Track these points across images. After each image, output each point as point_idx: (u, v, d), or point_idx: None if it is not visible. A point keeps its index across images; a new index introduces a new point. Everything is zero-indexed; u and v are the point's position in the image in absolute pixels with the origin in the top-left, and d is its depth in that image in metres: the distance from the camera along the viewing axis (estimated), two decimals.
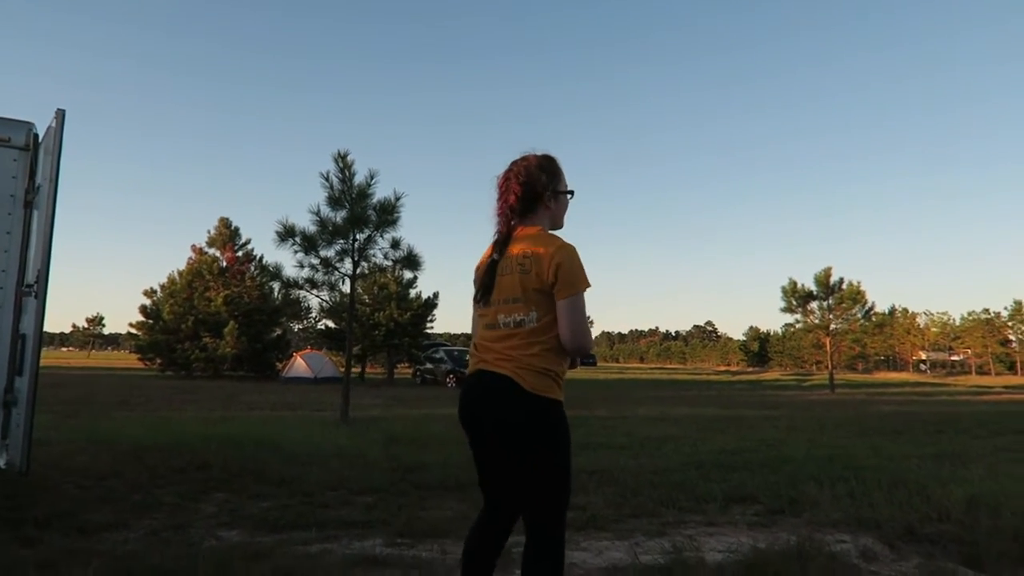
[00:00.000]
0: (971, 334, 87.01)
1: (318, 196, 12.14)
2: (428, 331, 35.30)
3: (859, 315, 31.63)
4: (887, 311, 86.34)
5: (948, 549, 4.06)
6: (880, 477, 6.18)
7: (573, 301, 2.10)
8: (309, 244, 11.59)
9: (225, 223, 37.44)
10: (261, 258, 36.95)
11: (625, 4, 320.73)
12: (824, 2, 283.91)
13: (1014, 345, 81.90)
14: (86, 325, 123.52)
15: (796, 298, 31.32)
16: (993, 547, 3.92)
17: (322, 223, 11.64)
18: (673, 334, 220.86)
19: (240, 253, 37.49)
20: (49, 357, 72.39)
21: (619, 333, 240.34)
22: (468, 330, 2.66)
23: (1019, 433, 11.10)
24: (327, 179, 11.71)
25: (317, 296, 12.40)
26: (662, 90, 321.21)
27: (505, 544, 2.35)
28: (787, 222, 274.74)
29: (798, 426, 12.29)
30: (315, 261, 11.75)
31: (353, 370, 33.72)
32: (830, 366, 32.85)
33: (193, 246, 37.29)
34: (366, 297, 31.90)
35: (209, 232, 37.41)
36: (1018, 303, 77.89)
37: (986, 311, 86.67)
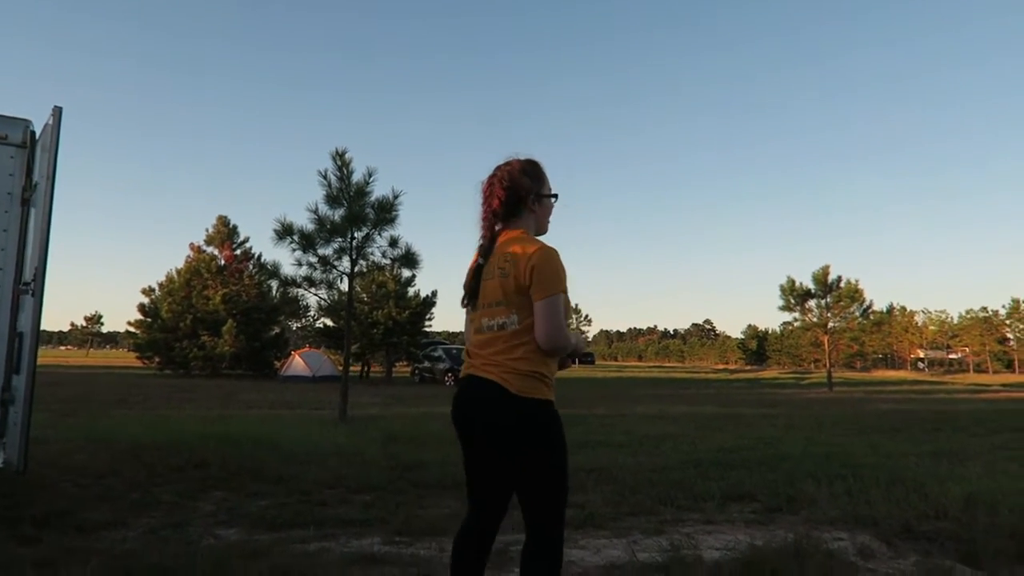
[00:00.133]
0: (969, 332, 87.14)
1: (316, 194, 12.14)
2: (426, 329, 35.33)
3: (857, 313, 31.76)
4: (885, 309, 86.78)
5: (945, 547, 4.07)
6: (878, 475, 6.20)
7: (548, 303, 2.11)
8: (307, 242, 11.59)
9: (223, 221, 37.44)
10: (259, 256, 37.05)
11: (623, 1, 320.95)
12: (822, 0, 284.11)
13: (1012, 343, 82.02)
14: (84, 323, 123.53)
15: (794, 296, 31.42)
16: (990, 545, 3.93)
17: (320, 221, 11.63)
18: (671, 332, 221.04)
19: (238, 251, 37.51)
20: (47, 355, 72.35)
21: (617, 331, 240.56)
22: None
23: (1016, 431, 11.12)
24: (325, 177, 11.71)
25: (315, 294, 12.41)
26: (660, 88, 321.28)
27: (492, 545, 2.37)
28: (785, 220, 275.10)
29: (796, 424, 12.31)
30: (313, 259, 11.76)
31: (354, 368, 33.90)
32: (828, 364, 32.93)
33: (191, 244, 37.33)
34: (364, 295, 31.91)
35: (207, 230, 37.46)
36: (1016, 301, 78.14)
37: (984, 309, 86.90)
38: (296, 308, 35.74)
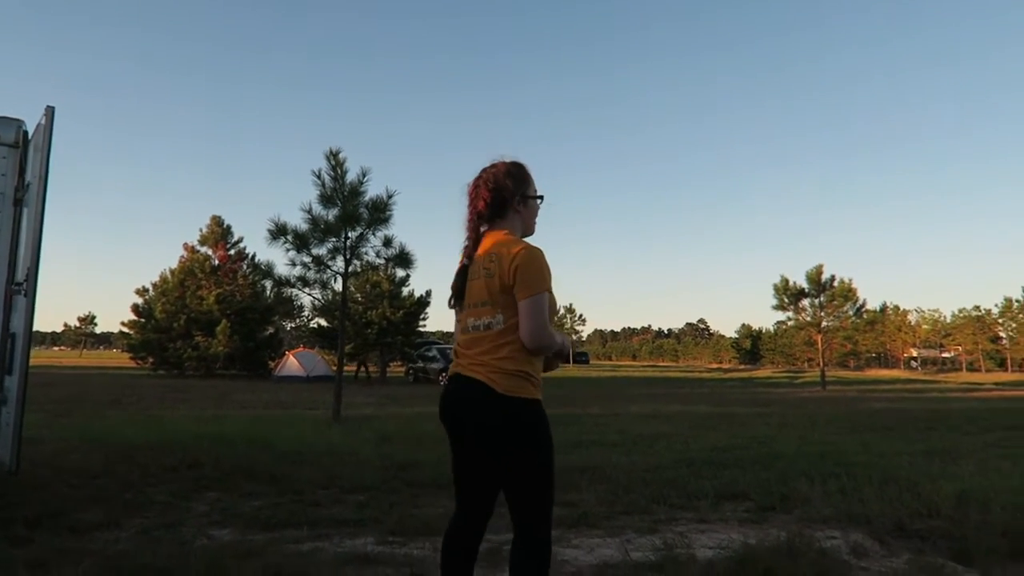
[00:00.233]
0: (962, 331, 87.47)
1: (310, 194, 12.10)
2: (421, 329, 35.28)
3: (850, 312, 31.86)
4: (878, 308, 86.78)
5: (938, 545, 4.09)
6: (871, 473, 6.22)
7: (532, 302, 2.12)
8: (301, 242, 11.57)
9: (217, 221, 37.34)
10: (253, 256, 36.95)
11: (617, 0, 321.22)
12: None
13: (1004, 342, 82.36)
14: (78, 324, 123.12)
15: (788, 296, 31.49)
16: (982, 542, 3.95)
17: (314, 221, 11.62)
18: (666, 332, 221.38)
19: (232, 251, 37.42)
20: (41, 356, 72.10)
21: (612, 331, 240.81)
22: None
23: (1009, 429, 11.17)
24: (319, 177, 11.69)
25: (309, 294, 12.39)
26: (654, 87, 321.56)
27: (480, 544, 2.38)
28: (779, 220, 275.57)
29: (790, 423, 12.35)
30: (307, 259, 11.74)
31: (350, 368, 33.84)
32: (822, 363, 33.04)
33: (185, 244, 37.16)
34: (358, 295, 31.83)
35: (201, 230, 37.34)
36: (1008, 300, 78.39)
37: (977, 308, 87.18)
38: (290, 308, 35.75)
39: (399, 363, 37.14)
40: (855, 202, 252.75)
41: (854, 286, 31.31)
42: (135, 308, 35.02)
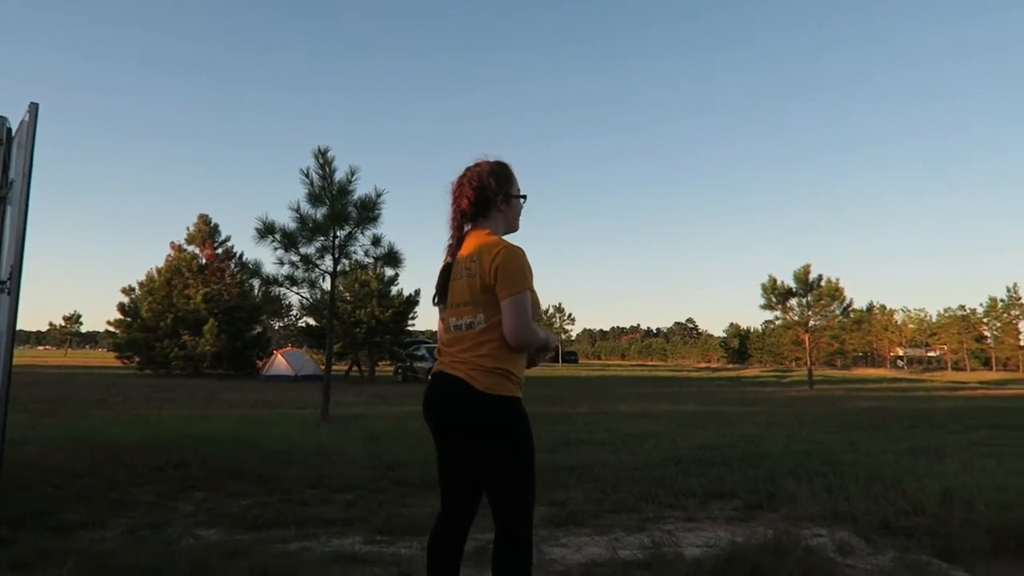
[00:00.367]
0: (947, 330, 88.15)
1: (298, 193, 12.06)
2: (410, 328, 35.22)
3: (837, 312, 32.06)
4: (865, 308, 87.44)
5: (923, 542, 4.11)
6: (857, 472, 6.25)
7: (514, 300, 2.13)
8: (289, 241, 11.52)
9: (204, 220, 37.10)
10: (241, 255, 36.75)
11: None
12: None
13: (989, 341, 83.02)
14: (63, 323, 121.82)
15: (776, 295, 31.65)
16: (966, 540, 3.98)
17: (302, 220, 11.56)
18: (654, 331, 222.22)
19: (220, 250, 37.21)
20: (25, 356, 71.47)
21: (600, 330, 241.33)
22: None
23: (993, 428, 11.26)
24: (307, 176, 11.64)
25: (297, 293, 12.32)
26: (646, 88, 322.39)
27: (465, 542, 2.39)
28: (768, 220, 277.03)
29: (777, 422, 12.40)
30: (295, 258, 11.68)
31: (342, 368, 33.72)
32: (809, 362, 33.20)
33: (172, 243, 36.92)
34: (347, 294, 31.75)
35: (188, 229, 37.10)
36: (993, 300, 79.00)
37: (962, 308, 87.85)
38: (278, 307, 35.48)
39: (388, 362, 37.05)
40: (843, 202, 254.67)
41: (841, 286, 31.54)
42: (121, 307, 34.77)
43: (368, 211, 11.61)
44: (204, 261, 36.38)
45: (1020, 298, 75.58)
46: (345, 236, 11.70)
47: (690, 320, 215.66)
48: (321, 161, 11.70)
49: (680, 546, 3.99)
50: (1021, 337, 77.82)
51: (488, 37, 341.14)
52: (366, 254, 11.99)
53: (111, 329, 36.09)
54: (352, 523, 4.43)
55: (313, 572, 3.40)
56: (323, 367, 13.75)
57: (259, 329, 38.01)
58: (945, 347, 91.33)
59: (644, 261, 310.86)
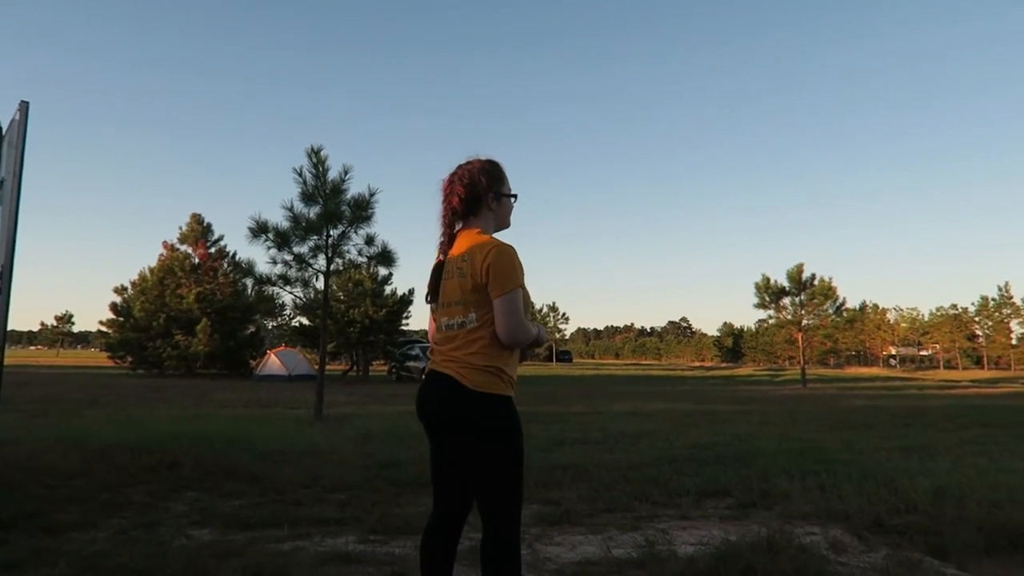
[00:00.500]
0: (939, 329, 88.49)
1: (292, 192, 12.02)
2: (404, 328, 35.19)
3: (830, 311, 32.17)
4: (858, 307, 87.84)
5: (915, 540, 4.13)
6: (850, 470, 6.27)
7: (506, 299, 2.14)
8: (282, 240, 11.48)
9: (197, 219, 36.96)
10: (234, 254, 36.64)
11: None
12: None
13: (981, 340, 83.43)
14: (55, 323, 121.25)
15: (769, 294, 31.74)
16: (958, 538, 4.00)
17: (295, 219, 11.53)
18: (648, 330, 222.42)
19: (213, 250, 37.06)
20: (17, 356, 71.12)
21: (595, 329, 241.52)
22: None
23: (984, 426, 11.32)
24: (300, 175, 11.60)
25: (291, 293, 12.30)
26: (639, 87, 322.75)
27: (458, 541, 2.39)
28: (761, 218, 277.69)
29: (770, 420, 12.43)
30: (288, 257, 11.65)
31: (339, 367, 33.62)
32: (802, 361, 33.30)
33: (164, 242, 36.77)
34: (341, 294, 31.73)
35: (181, 228, 36.92)
36: (984, 299, 79.45)
37: (954, 307, 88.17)
38: (271, 307, 35.39)
39: (382, 362, 37.02)
40: (836, 202, 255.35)
41: (834, 285, 31.68)
42: (113, 307, 34.61)
43: (361, 210, 11.58)
44: (197, 260, 36.24)
45: (1011, 297, 76.05)
46: (338, 235, 11.68)
47: (684, 319, 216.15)
48: (314, 160, 11.68)
49: (674, 544, 4.00)
50: (1013, 336, 78.23)
51: (485, 36, 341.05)
52: (359, 253, 11.98)
53: (103, 329, 35.92)
54: (346, 523, 4.42)
55: (306, 572, 3.40)
56: (317, 367, 13.71)
57: (252, 329, 37.90)
58: (937, 346, 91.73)
59: (638, 260, 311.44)
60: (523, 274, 2.21)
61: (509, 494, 2.18)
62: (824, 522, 4.61)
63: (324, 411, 11.62)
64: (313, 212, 11.57)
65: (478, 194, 2.34)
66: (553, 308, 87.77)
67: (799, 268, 31.37)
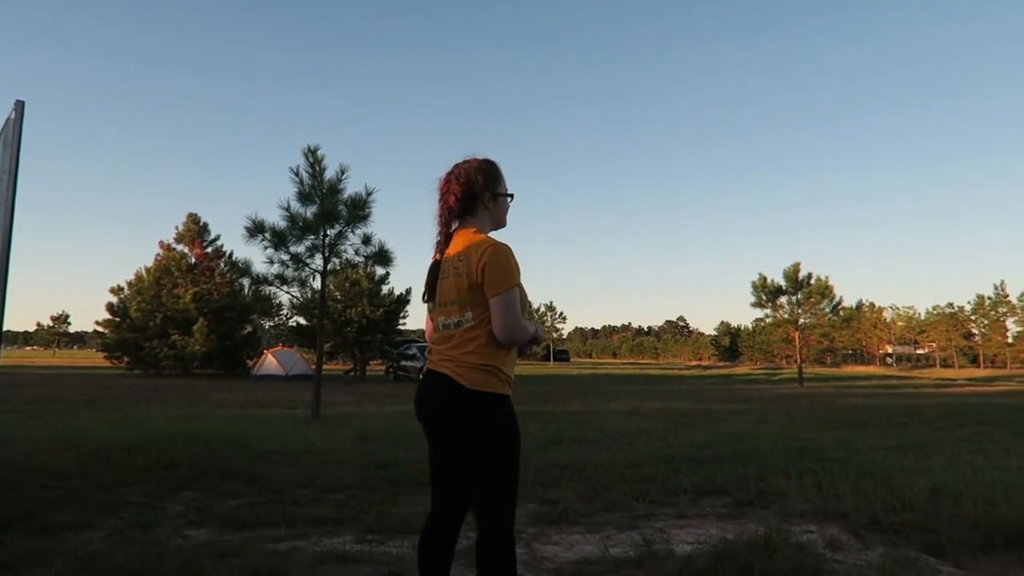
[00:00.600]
0: (935, 328, 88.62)
1: (288, 191, 12.01)
2: (401, 327, 35.16)
3: (827, 310, 32.17)
4: (854, 306, 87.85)
5: (911, 538, 4.14)
6: (847, 469, 6.28)
7: (502, 298, 2.14)
8: (279, 240, 11.47)
9: (193, 219, 36.85)
10: (231, 254, 36.56)
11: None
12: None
13: (977, 339, 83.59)
14: (51, 323, 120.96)
15: (766, 293, 31.74)
16: (954, 535, 4.01)
17: (292, 219, 11.51)
18: (645, 329, 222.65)
19: (209, 249, 36.95)
20: (12, 356, 70.96)
21: (592, 329, 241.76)
22: None
23: (980, 424, 11.34)
24: (297, 174, 11.59)
25: (288, 292, 12.28)
26: (635, 86, 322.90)
27: (456, 540, 2.40)
28: (758, 218, 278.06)
29: (767, 419, 12.45)
30: (285, 257, 11.63)
31: (338, 367, 33.56)
32: (799, 360, 33.31)
33: (161, 242, 36.62)
34: (338, 293, 31.69)
35: (177, 228, 36.78)
36: (980, 297, 79.54)
37: (950, 306, 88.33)
38: (268, 306, 35.32)
39: (379, 361, 36.99)
40: (833, 201, 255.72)
41: (831, 283, 31.67)
42: (110, 307, 34.51)
43: (358, 210, 11.57)
44: (193, 260, 36.15)
45: (1007, 296, 76.18)
46: (335, 235, 11.67)
47: (681, 318, 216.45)
48: (311, 160, 11.66)
49: (671, 543, 4.00)
50: (1008, 334, 78.37)
51: (484, 35, 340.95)
52: (356, 253, 11.97)
53: (100, 329, 35.81)
54: (343, 522, 4.41)
55: (304, 572, 3.39)
56: (314, 366, 13.69)
57: (249, 328, 37.81)
58: (934, 344, 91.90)
59: (636, 259, 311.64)
60: (519, 273, 2.21)
61: (504, 494, 2.18)
62: (821, 520, 4.62)
63: (321, 411, 11.61)
64: (310, 212, 11.56)
65: (474, 193, 2.34)
66: (551, 307, 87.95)
67: (796, 267, 31.39)
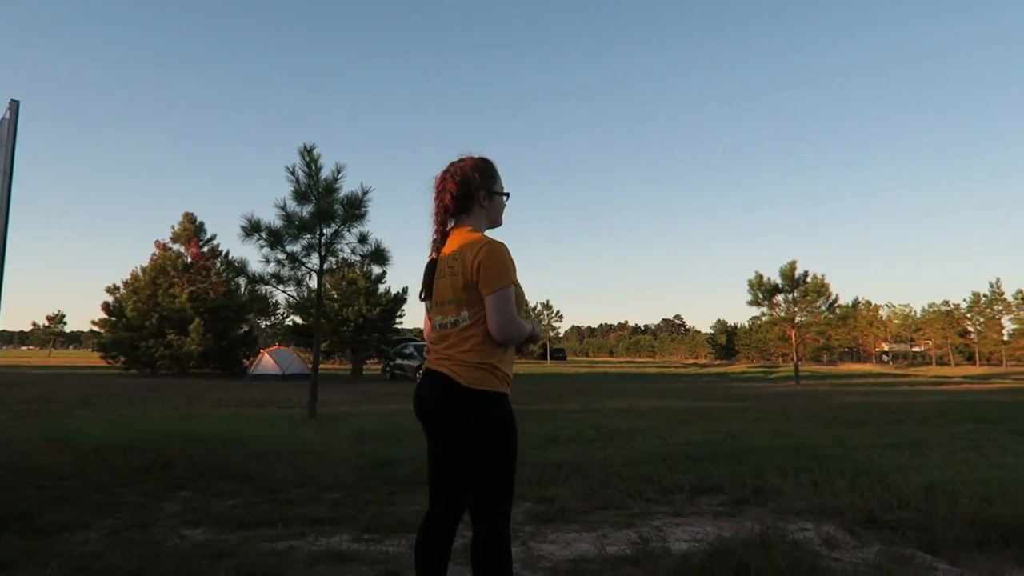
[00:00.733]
0: (931, 326, 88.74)
1: (284, 190, 12.00)
2: (397, 326, 35.15)
3: (823, 308, 32.25)
4: (850, 303, 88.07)
5: (907, 535, 4.15)
6: (843, 466, 6.29)
7: (498, 297, 2.14)
8: (275, 239, 11.45)
9: (189, 218, 36.81)
10: (227, 254, 36.51)
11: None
12: None
13: (972, 336, 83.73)
14: (46, 323, 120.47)
15: (762, 291, 31.77)
16: (950, 533, 4.02)
17: (288, 218, 11.49)
18: (642, 328, 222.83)
19: (205, 249, 36.93)
20: (7, 356, 70.78)
21: (589, 327, 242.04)
22: None
23: (976, 422, 11.37)
24: (293, 173, 11.57)
25: (284, 292, 12.25)
26: (631, 85, 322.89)
27: (453, 538, 2.39)
28: (754, 216, 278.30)
29: (764, 417, 12.47)
30: (281, 256, 11.62)
31: (338, 367, 33.52)
32: (795, 358, 33.41)
33: (157, 242, 36.58)
34: (334, 293, 31.68)
35: (173, 227, 36.75)
36: (976, 295, 79.64)
37: (946, 303, 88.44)
38: (265, 306, 35.34)
39: (376, 360, 36.98)
40: (829, 199, 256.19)
41: (827, 282, 31.74)
42: (106, 306, 34.44)
43: (354, 209, 11.56)
44: (189, 260, 36.11)
45: (1003, 294, 76.18)
46: (331, 234, 11.65)
47: (678, 316, 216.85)
48: (307, 159, 11.64)
49: (667, 541, 4.01)
50: (1004, 332, 78.53)
51: (484, 34, 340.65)
52: (353, 252, 11.95)
53: (96, 329, 35.75)
54: (340, 522, 4.41)
55: (300, 571, 3.39)
56: (310, 366, 13.68)
57: (246, 328, 37.78)
58: (929, 342, 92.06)
59: (632, 258, 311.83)
60: (515, 271, 2.20)
61: (501, 493, 2.18)
62: (817, 518, 4.62)
63: (318, 410, 11.60)
64: (306, 211, 11.54)
65: (470, 191, 2.34)
66: (547, 306, 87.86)
67: (792, 265, 31.44)
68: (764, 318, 34.69)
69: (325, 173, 11.67)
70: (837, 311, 34.25)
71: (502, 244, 2.21)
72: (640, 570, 3.50)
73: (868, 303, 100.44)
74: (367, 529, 4.21)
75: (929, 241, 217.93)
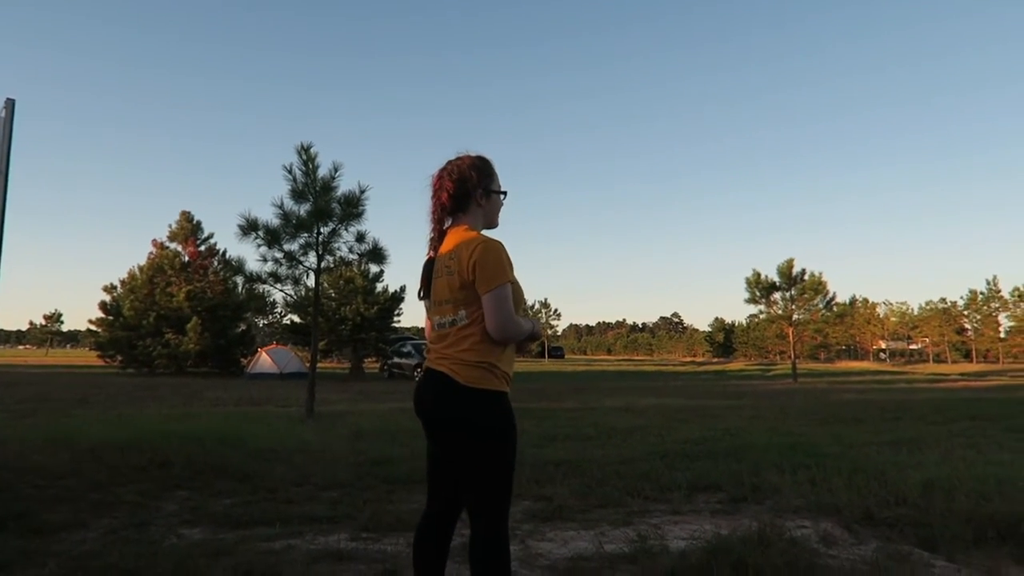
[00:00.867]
0: (929, 323, 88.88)
1: (281, 189, 11.98)
2: (395, 325, 35.11)
3: (821, 305, 32.20)
4: (848, 301, 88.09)
5: (905, 532, 4.16)
6: (840, 464, 6.31)
7: (495, 295, 2.13)
8: (272, 238, 11.44)
9: (187, 217, 36.75)
10: (224, 252, 36.46)
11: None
12: None
13: (970, 334, 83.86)
14: (43, 322, 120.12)
15: (760, 289, 31.75)
16: (947, 529, 4.03)
17: (285, 216, 11.48)
18: (640, 326, 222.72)
19: (203, 247, 36.87)
20: (4, 355, 70.67)
21: (587, 325, 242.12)
22: None
23: (973, 419, 11.39)
24: (290, 172, 11.56)
25: (281, 290, 12.24)
26: (629, 84, 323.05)
27: (451, 536, 2.39)
28: (752, 214, 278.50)
29: (761, 415, 12.48)
30: (279, 255, 11.61)
31: (336, 366, 33.48)
32: (793, 356, 33.42)
33: (154, 241, 36.54)
34: (332, 291, 31.64)
35: (170, 226, 36.69)
36: (973, 293, 79.79)
37: (943, 301, 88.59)
38: (262, 305, 35.24)
39: (374, 359, 36.96)
40: (827, 198, 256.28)
41: (824, 279, 31.71)
42: (103, 305, 34.39)
43: (352, 207, 11.55)
44: (187, 259, 36.05)
45: (1000, 291, 76.37)
46: (329, 232, 11.65)
47: (675, 315, 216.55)
48: (304, 157, 11.63)
49: (665, 539, 4.01)
50: (1001, 329, 78.68)
51: (484, 34, 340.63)
52: (350, 250, 11.94)
53: (93, 328, 35.70)
54: (337, 520, 4.41)
55: (298, 570, 3.39)
56: (308, 364, 13.67)
57: (243, 327, 37.72)
58: (927, 340, 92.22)
59: (630, 256, 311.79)
60: (512, 269, 2.20)
61: (499, 491, 2.17)
62: (815, 515, 4.63)
63: (316, 409, 11.59)
64: (303, 209, 11.54)
65: (467, 190, 2.34)
66: (545, 304, 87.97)
67: (789, 263, 31.42)
68: (762, 316, 34.62)
69: (322, 172, 11.68)
70: (834, 309, 34.19)
71: (498, 242, 2.20)
72: (638, 568, 3.51)
73: (865, 301, 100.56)
74: (365, 528, 4.21)
75: (926, 239, 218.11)
